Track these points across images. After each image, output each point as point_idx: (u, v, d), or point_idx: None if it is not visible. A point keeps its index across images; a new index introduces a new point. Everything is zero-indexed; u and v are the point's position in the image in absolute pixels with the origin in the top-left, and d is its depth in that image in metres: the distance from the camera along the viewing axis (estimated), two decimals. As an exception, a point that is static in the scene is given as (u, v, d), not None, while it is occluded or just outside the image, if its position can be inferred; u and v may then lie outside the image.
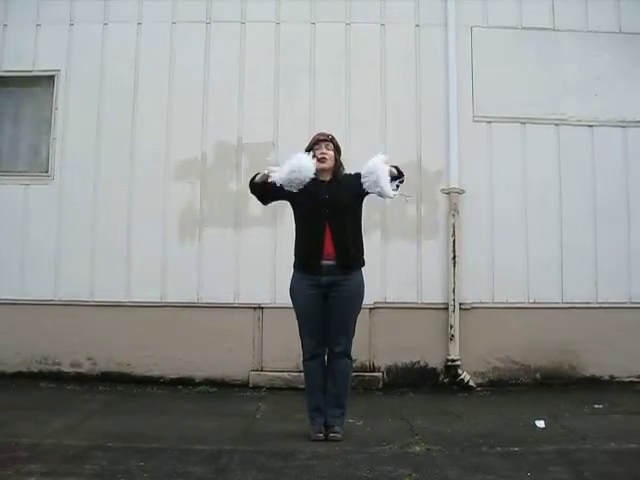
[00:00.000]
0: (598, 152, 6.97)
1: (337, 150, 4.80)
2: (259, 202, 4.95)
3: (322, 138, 4.78)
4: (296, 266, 4.78)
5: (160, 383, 6.65)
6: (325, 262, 4.61)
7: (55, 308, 6.78)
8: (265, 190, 4.72)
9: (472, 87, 7.01)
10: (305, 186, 4.64)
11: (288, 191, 4.65)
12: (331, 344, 4.71)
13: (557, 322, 6.74)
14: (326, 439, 4.61)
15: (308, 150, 4.74)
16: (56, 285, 6.81)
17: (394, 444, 4.55)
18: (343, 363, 4.72)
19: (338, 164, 4.80)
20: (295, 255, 4.79)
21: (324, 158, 4.69)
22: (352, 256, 4.70)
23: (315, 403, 4.74)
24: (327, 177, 4.74)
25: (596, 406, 5.82)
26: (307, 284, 4.68)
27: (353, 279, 4.71)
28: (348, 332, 4.73)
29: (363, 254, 4.81)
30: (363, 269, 4.80)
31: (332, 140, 4.79)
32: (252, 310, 6.79)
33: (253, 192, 4.82)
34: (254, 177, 4.75)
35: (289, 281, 4.80)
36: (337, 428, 4.67)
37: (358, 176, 4.68)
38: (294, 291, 4.78)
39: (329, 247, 4.61)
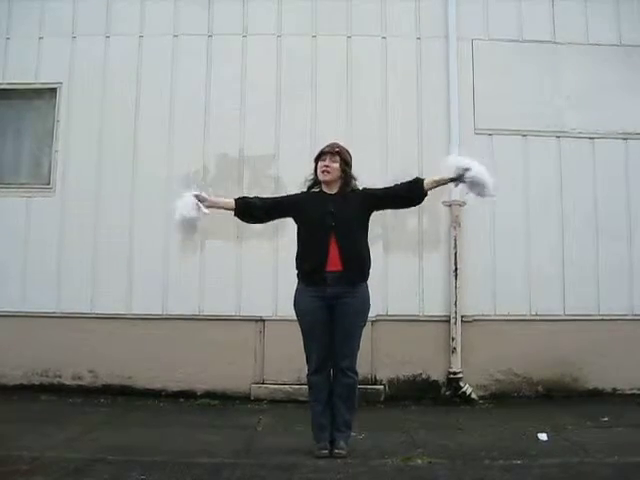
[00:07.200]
0: (599, 164, 6.98)
1: (345, 162, 4.69)
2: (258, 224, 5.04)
3: (327, 150, 4.68)
4: (299, 278, 4.71)
5: (161, 396, 6.64)
6: (330, 273, 4.52)
7: (56, 320, 6.77)
8: (254, 212, 4.78)
9: (473, 99, 7.02)
10: (311, 198, 4.70)
11: (289, 207, 4.72)
12: (336, 359, 4.62)
13: (559, 334, 6.73)
14: (330, 455, 4.52)
15: (316, 161, 4.72)
16: (57, 297, 6.81)
17: (396, 457, 4.54)
18: (348, 378, 4.62)
19: (347, 177, 4.70)
20: (297, 267, 4.70)
21: (326, 171, 4.63)
22: (359, 267, 4.62)
23: (319, 419, 4.65)
24: (334, 190, 4.69)
25: (599, 419, 5.79)
26: (311, 296, 4.59)
27: (359, 292, 4.61)
28: (353, 347, 4.64)
29: (369, 267, 4.70)
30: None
31: (339, 152, 4.67)
32: (254, 322, 6.78)
33: (244, 220, 4.92)
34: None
35: (291, 293, 4.75)
36: (342, 444, 4.58)
37: (367, 192, 4.72)
38: (299, 306, 4.68)
39: (334, 258, 4.53)
